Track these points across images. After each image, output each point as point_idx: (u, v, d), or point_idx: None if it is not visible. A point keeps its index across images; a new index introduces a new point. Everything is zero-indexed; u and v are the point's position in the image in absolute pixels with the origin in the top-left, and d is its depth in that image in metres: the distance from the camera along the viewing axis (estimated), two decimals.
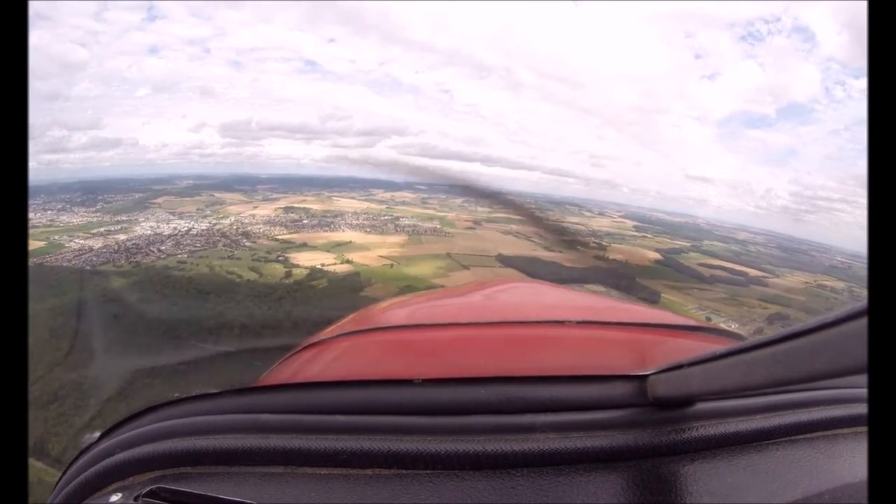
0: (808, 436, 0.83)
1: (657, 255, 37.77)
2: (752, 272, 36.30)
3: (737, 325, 26.78)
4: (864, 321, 0.41)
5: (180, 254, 31.65)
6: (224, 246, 33.37)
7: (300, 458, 0.70)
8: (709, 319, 27.19)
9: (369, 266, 31.91)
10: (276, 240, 35.11)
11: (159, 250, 31.48)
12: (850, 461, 0.79)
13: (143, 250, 31.21)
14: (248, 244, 33.91)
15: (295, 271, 30.53)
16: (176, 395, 0.89)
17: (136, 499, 0.67)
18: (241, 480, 0.69)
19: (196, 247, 32.70)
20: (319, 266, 31.27)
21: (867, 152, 0.49)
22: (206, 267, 29.97)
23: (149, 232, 33.21)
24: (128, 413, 0.88)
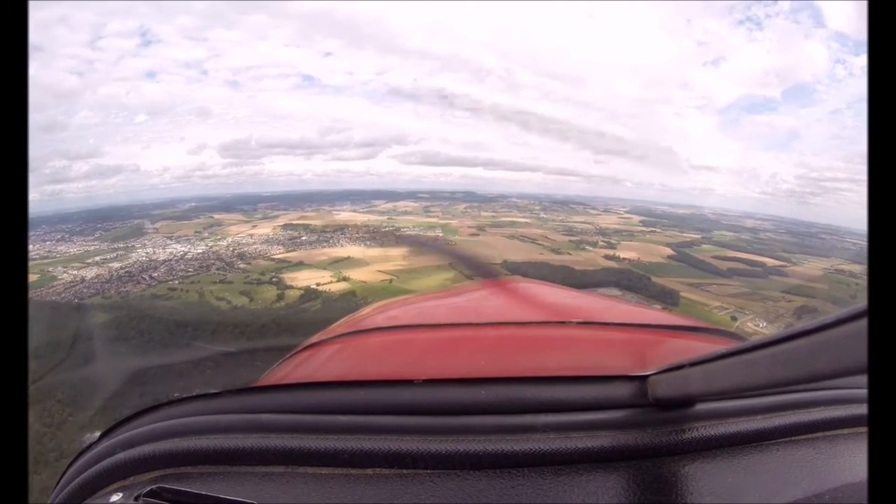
0: (809, 436, 0.83)
1: (669, 251, 36.53)
2: (769, 261, 35.02)
3: (765, 323, 25.39)
4: (864, 322, 0.42)
5: (172, 280, 30.77)
6: (217, 269, 32.40)
7: (301, 457, 0.71)
8: (734, 319, 25.80)
9: (367, 283, 30.75)
10: (273, 259, 34.08)
11: (151, 277, 30.67)
12: (851, 461, 0.79)
13: (135, 278, 30.40)
14: (242, 266, 32.91)
15: (288, 293, 29.38)
16: (176, 394, 0.89)
17: (136, 499, 0.68)
18: (242, 480, 0.70)
19: (189, 272, 31.80)
20: (314, 286, 30.22)
21: (867, 161, 0.49)
22: (196, 293, 28.92)
23: (144, 258, 32.47)
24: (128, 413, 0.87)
